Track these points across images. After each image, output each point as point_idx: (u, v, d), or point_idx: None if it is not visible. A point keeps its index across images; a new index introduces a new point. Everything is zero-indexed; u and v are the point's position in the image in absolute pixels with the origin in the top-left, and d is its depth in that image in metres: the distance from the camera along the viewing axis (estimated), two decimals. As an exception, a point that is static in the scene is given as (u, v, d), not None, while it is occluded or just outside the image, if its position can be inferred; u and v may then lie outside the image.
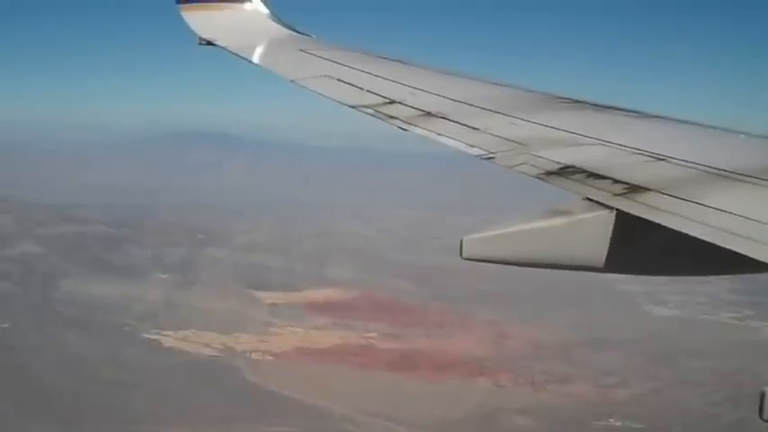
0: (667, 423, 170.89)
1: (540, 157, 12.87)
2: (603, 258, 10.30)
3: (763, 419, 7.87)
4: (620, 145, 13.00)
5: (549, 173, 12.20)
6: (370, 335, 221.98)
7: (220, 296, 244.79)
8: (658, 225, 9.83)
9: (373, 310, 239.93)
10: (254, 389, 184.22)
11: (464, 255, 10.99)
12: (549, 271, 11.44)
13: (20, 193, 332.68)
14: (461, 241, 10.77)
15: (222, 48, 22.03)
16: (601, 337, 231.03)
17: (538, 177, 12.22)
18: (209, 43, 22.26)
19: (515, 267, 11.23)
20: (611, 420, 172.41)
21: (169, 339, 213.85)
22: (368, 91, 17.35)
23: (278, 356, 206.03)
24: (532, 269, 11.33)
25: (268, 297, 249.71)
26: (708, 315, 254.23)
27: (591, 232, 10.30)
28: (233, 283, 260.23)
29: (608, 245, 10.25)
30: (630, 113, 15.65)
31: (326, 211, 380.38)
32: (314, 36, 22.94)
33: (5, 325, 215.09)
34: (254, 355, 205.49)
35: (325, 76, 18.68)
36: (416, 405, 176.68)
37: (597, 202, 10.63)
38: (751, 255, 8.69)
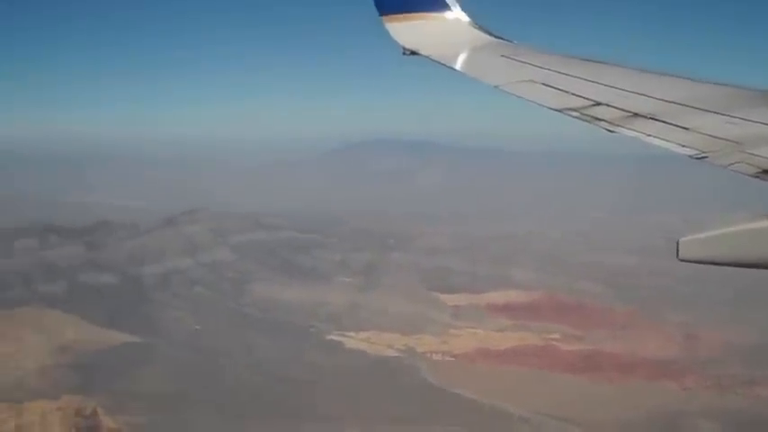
0: None
1: (757, 155, 12.38)
2: None
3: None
4: None
5: None
6: (552, 336, 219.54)
7: (404, 298, 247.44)
8: None
9: (556, 311, 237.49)
10: (433, 389, 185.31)
11: (680, 256, 10.76)
12: (744, 272, 11.00)
13: (213, 204, 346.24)
14: (678, 243, 10.58)
15: (426, 57, 22.26)
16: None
17: (755, 176, 11.74)
18: (413, 53, 22.55)
19: (710, 268, 10.95)
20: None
21: (352, 341, 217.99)
22: (572, 94, 17.22)
23: (458, 357, 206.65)
24: (732, 270, 10.91)
25: (451, 299, 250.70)
26: None
27: None
28: (417, 286, 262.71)
29: None
30: None
31: (514, 214, 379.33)
32: (514, 41, 22.85)
33: (198, 327, 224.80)
34: (434, 356, 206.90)
35: (529, 80, 18.56)
36: (597, 407, 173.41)
37: None
38: None
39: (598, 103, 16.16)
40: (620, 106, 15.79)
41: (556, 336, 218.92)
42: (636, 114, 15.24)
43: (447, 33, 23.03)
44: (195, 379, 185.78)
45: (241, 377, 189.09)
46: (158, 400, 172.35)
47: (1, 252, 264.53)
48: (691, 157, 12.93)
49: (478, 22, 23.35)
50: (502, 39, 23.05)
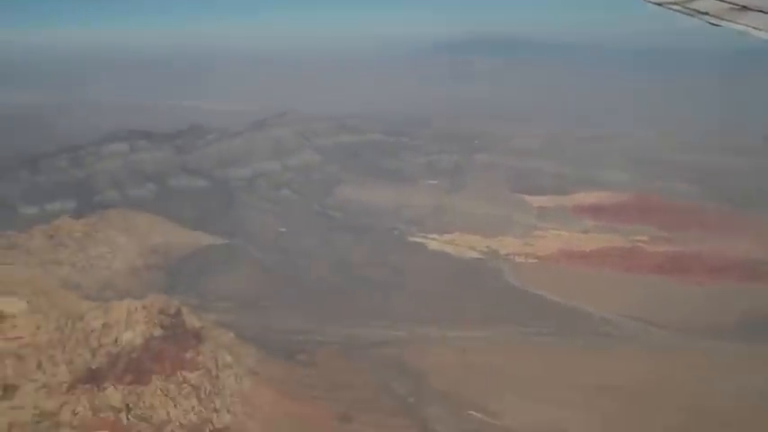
0: None
1: None
2: None
3: None
4: None
5: None
6: (639, 238, 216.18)
7: (488, 200, 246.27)
8: None
9: (644, 212, 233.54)
10: (516, 291, 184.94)
11: None
12: None
13: (302, 107, 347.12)
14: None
15: None
16: None
17: None
18: None
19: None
20: None
21: (435, 242, 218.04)
22: None
23: (541, 259, 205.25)
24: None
25: (536, 201, 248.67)
26: None
27: None
28: (502, 188, 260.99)
29: None
30: None
31: (604, 113, 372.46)
32: None
33: (283, 229, 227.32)
34: (517, 258, 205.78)
35: None
36: (682, 309, 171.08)
37: None
38: None
39: None
40: None
41: (643, 237, 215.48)
42: (743, 7, 14.35)
43: None
44: (279, 280, 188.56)
45: (323, 278, 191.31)
46: (243, 299, 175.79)
47: (92, 156, 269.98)
48: None
49: None
50: None
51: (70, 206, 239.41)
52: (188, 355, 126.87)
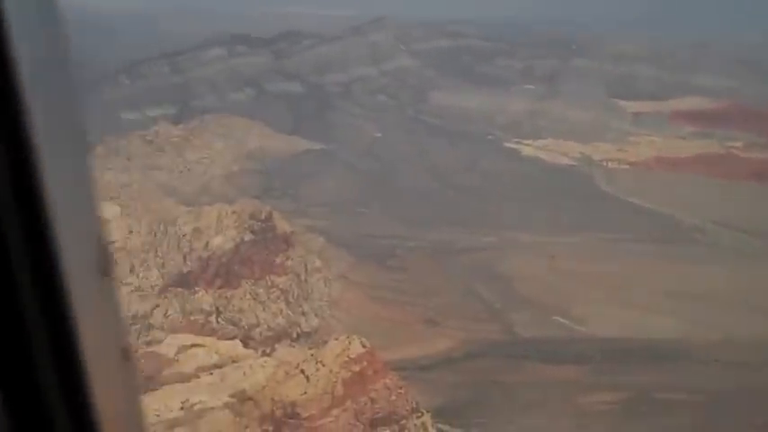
0: None
1: None
2: None
3: None
4: None
5: None
6: (735, 144, 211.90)
7: (584, 106, 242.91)
8: None
9: (742, 119, 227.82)
10: (607, 197, 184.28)
11: None
12: None
13: (399, 12, 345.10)
14: None
15: None
16: None
17: None
18: None
19: None
20: None
21: (528, 148, 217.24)
22: None
23: (634, 165, 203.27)
24: None
25: (632, 106, 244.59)
26: None
27: None
28: (599, 93, 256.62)
29: None
30: None
31: (704, 18, 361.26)
32: None
33: (378, 135, 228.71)
34: (610, 164, 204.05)
35: None
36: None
37: None
38: None
39: None
40: None
41: (739, 144, 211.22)
42: None
43: None
44: (373, 185, 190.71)
45: (417, 184, 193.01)
46: (336, 205, 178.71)
47: (191, 62, 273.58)
48: None
49: None
50: None
51: (170, 112, 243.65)
52: (277, 259, 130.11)
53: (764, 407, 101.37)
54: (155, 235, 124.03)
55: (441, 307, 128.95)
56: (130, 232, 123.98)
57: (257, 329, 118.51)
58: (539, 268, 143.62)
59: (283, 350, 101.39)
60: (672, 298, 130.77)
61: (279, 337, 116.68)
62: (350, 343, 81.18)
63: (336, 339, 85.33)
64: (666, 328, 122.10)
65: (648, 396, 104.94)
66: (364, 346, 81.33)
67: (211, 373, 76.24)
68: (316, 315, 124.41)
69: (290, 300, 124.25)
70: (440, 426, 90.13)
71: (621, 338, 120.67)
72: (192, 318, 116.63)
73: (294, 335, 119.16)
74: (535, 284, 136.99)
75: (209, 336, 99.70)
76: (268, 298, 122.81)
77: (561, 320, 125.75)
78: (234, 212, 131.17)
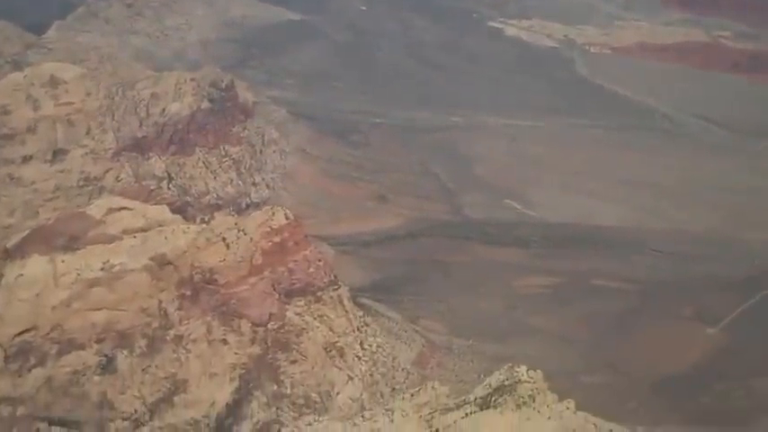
0: None
1: None
2: None
3: None
4: None
5: None
6: (723, 33, 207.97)
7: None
8: None
9: (737, 6, 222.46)
10: (583, 82, 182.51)
11: None
12: None
13: None
14: None
15: None
16: None
17: None
18: None
19: None
20: None
21: (513, 28, 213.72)
22: None
23: (616, 51, 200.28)
24: None
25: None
26: None
27: None
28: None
29: None
30: None
31: None
32: None
33: (363, 8, 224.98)
34: (592, 49, 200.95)
35: None
36: (750, 109, 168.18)
37: None
38: None
39: None
40: None
41: (727, 33, 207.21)
42: None
43: None
44: (352, 59, 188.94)
45: (396, 61, 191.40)
46: (311, 77, 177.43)
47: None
48: None
49: None
50: None
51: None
52: (234, 129, 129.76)
53: (695, 298, 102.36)
54: (112, 99, 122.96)
55: (395, 185, 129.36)
56: (88, 94, 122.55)
57: (207, 197, 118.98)
58: (499, 150, 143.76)
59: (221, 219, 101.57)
60: (627, 186, 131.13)
61: (226, 206, 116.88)
62: (274, 214, 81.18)
63: (253, 209, 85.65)
64: (615, 217, 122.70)
65: (583, 282, 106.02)
66: (287, 218, 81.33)
67: (135, 237, 76.49)
68: (267, 187, 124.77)
69: (242, 170, 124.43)
70: (362, 299, 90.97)
71: (568, 224, 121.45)
72: (143, 183, 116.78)
73: (243, 205, 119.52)
74: (492, 167, 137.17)
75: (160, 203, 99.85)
76: (220, 167, 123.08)
77: (512, 204, 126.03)
78: (193, 80, 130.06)
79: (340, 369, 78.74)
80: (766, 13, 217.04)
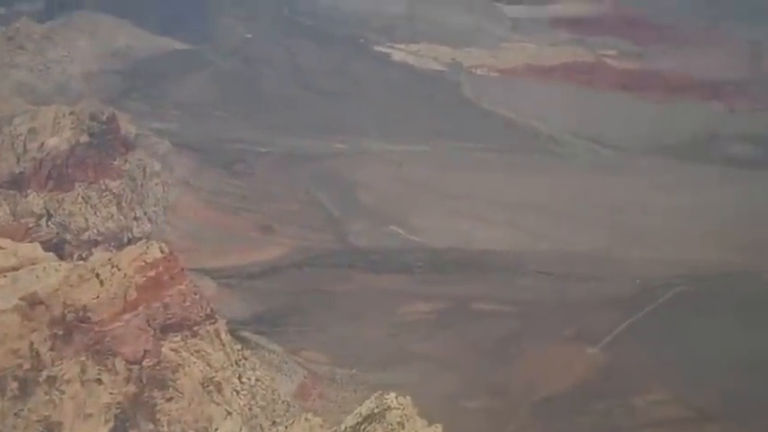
0: None
1: None
2: None
3: None
4: None
5: None
6: (608, 52, 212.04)
7: (463, 9, 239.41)
8: None
9: (622, 25, 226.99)
10: (469, 105, 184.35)
11: None
12: None
13: None
14: None
15: None
16: None
17: None
18: None
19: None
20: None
21: (400, 53, 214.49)
22: None
23: (503, 72, 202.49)
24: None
25: (513, 11, 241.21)
26: None
27: None
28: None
29: None
30: None
31: None
32: None
33: (248, 36, 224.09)
34: (479, 71, 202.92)
35: None
36: (635, 127, 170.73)
37: None
38: None
39: None
40: None
41: (612, 52, 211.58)
42: None
43: None
44: (237, 88, 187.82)
45: (282, 88, 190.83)
46: (195, 107, 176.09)
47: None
48: None
49: None
50: None
51: (38, 7, 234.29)
52: (115, 162, 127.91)
53: (576, 318, 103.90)
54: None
55: (279, 214, 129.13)
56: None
57: (86, 233, 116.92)
58: (385, 176, 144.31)
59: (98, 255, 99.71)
60: (511, 209, 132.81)
61: (107, 241, 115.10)
62: (148, 248, 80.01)
63: (135, 244, 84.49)
64: (499, 239, 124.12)
65: (466, 306, 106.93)
66: (163, 252, 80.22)
67: (5, 276, 75.03)
68: (149, 220, 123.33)
69: (123, 204, 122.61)
70: (243, 333, 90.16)
71: (452, 249, 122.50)
72: (22, 220, 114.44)
73: (125, 240, 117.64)
74: (378, 193, 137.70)
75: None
76: (100, 202, 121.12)
77: (396, 230, 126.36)
78: (72, 113, 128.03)
79: (218, 404, 77.59)
80: (651, 32, 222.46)
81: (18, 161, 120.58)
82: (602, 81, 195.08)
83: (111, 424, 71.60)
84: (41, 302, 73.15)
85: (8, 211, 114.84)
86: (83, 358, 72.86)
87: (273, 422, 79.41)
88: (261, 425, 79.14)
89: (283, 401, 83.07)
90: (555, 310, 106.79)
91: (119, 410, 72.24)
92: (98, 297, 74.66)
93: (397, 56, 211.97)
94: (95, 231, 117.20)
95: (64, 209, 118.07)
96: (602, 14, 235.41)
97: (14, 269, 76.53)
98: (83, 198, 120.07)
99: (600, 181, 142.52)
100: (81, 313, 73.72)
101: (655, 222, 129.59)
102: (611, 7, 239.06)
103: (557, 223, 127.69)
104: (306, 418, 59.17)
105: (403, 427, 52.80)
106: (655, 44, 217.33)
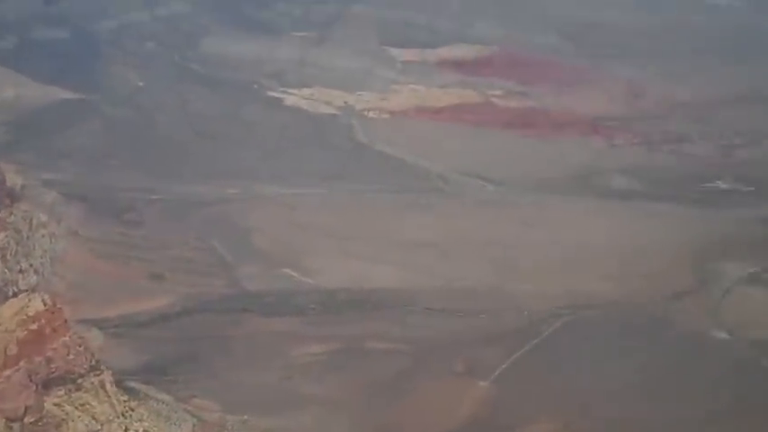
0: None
1: None
2: None
3: None
4: None
5: None
6: (495, 93, 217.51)
7: (355, 54, 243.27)
8: None
9: (507, 66, 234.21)
10: (362, 147, 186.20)
11: None
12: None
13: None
14: None
15: None
16: (748, 93, 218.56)
17: None
18: None
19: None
20: (719, 182, 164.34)
21: (293, 97, 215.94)
22: None
23: (394, 115, 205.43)
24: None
25: (402, 54, 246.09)
26: None
27: None
28: (371, 41, 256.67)
29: None
30: None
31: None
32: None
33: (141, 84, 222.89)
34: (371, 114, 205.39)
35: None
36: (521, 164, 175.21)
37: None
38: None
39: None
40: None
41: (498, 92, 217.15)
42: None
43: None
44: (128, 136, 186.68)
45: (174, 135, 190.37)
46: (86, 157, 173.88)
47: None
48: None
49: None
50: None
51: None
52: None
53: (466, 353, 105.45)
54: None
55: (170, 262, 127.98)
56: None
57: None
58: (278, 220, 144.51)
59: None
60: (401, 248, 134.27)
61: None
62: (30, 300, 78.70)
63: (16, 297, 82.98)
64: (390, 278, 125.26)
65: (358, 346, 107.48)
66: (45, 304, 78.97)
67: None
68: (35, 272, 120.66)
69: (8, 257, 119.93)
70: (131, 383, 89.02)
71: (345, 289, 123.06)
72: None
73: (10, 293, 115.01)
74: (271, 237, 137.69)
75: None
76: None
77: (290, 273, 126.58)
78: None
79: (104, 457, 76.51)
80: (534, 72, 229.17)
81: None
82: (488, 120, 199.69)
83: (-9, 483, 70.01)
84: None
85: None
86: (-39, 417, 71.20)
87: (162, 472, 78.67)
88: (149, 475, 78.32)
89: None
90: (446, 346, 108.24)
91: (0, 469, 70.66)
92: (-23, 354, 73.19)
93: (290, 100, 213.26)
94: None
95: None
96: (488, 56, 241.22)
97: None
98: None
99: (487, 217, 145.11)
100: (-40, 372, 72.19)
101: (540, 255, 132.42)
102: (496, 49, 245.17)
103: (446, 260, 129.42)
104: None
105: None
106: (538, 83, 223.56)
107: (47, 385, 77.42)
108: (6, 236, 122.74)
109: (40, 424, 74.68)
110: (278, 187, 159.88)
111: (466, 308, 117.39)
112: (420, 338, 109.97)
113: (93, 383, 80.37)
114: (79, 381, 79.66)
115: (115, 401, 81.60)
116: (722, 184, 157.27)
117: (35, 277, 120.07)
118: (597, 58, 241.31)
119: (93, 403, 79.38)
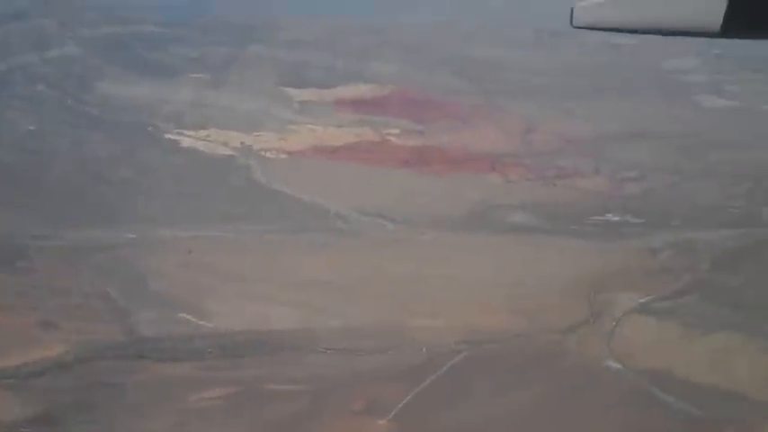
0: (668, 217, 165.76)
1: None
2: (720, 21, 9.12)
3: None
4: None
5: None
6: (391, 131, 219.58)
7: (252, 95, 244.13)
8: None
9: (403, 106, 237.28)
10: (260, 188, 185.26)
11: (575, 23, 11.34)
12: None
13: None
14: (572, 9, 10.82)
15: None
16: (640, 130, 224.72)
17: None
18: None
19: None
20: (609, 215, 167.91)
21: (189, 139, 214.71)
22: None
23: (292, 155, 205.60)
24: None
25: (299, 94, 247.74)
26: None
27: None
28: (268, 81, 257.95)
29: (725, 6, 9.09)
30: None
31: (384, 3, 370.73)
32: None
33: (31, 128, 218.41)
34: (268, 154, 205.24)
35: None
36: (419, 201, 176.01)
37: None
38: None
39: None
40: None
41: (395, 131, 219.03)
42: None
43: None
44: (18, 182, 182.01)
45: (67, 179, 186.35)
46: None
47: None
48: None
49: None
50: None
51: None
52: None
53: (365, 391, 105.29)
54: None
55: (63, 310, 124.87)
56: None
57: None
58: (175, 263, 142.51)
59: None
60: (300, 288, 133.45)
61: None
62: None
63: None
64: (289, 319, 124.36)
65: (257, 388, 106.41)
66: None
67: None
68: None
69: None
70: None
71: (243, 332, 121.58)
72: None
73: None
74: (168, 281, 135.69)
75: None
76: None
77: (187, 317, 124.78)
78: None
79: None
80: (431, 110, 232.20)
81: None
82: (386, 158, 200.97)
83: None
84: None
85: None
86: None
87: None
88: None
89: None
90: (346, 385, 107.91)
91: None
92: None
93: (186, 142, 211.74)
94: None
95: None
96: (384, 95, 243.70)
97: None
98: None
99: (386, 255, 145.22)
100: None
101: (439, 292, 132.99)
102: (393, 88, 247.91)
103: (345, 299, 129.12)
104: None
105: None
106: (435, 121, 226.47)
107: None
108: None
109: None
110: (175, 230, 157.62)
111: (366, 346, 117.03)
112: (320, 378, 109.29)
113: (-20, 438, 78.23)
114: (-36, 436, 77.44)
115: (5, 456, 79.57)
116: (613, 217, 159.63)
117: None
118: (493, 96, 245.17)
119: (-19, 458, 77.22)
